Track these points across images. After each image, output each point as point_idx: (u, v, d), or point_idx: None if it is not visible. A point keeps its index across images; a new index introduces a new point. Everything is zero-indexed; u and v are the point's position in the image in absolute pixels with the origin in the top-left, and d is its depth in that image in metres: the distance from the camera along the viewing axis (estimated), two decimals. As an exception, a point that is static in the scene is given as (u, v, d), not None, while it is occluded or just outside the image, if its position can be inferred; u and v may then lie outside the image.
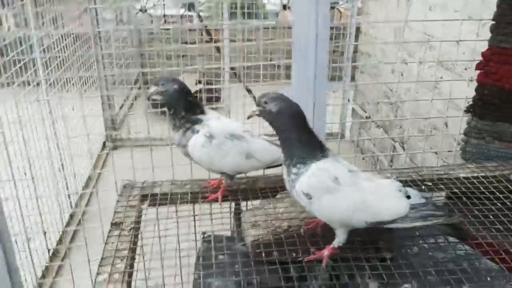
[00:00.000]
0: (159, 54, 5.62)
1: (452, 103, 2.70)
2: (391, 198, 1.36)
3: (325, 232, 1.49)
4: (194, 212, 1.67)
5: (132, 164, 1.90)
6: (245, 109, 4.35)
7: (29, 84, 2.77)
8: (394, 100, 3.57)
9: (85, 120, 1.96)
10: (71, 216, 3.13)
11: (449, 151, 2.28)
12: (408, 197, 1.37)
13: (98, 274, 1.31)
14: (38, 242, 2.55)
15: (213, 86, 4.90)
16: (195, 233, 1.59)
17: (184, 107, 1.64)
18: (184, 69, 5.03)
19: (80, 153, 3.45)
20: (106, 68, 4.31)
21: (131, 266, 1.37)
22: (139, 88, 5.49)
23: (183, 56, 5.74)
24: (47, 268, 2.65)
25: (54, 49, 3.28)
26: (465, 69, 2.68)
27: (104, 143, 4.29)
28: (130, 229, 1.51)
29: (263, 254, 1.45)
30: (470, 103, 1.99)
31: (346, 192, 1.32)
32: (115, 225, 1.53)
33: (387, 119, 3.83)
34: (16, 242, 2.23)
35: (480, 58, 1.94)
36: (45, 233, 1.83)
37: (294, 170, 1.33)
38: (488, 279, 1.39)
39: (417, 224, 1.34)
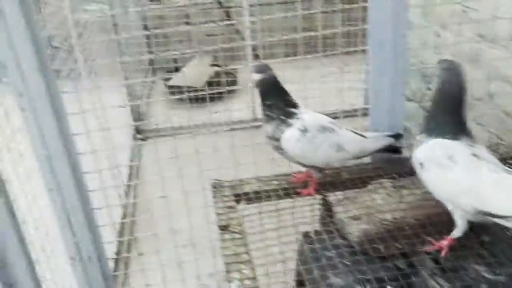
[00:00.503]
0: (166, 37, 5.49)
1: (497, 75, 2.70)
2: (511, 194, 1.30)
3: (436, 223, 1.51)
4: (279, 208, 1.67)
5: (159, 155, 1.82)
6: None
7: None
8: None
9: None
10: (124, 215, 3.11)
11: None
12: None
13: (229, 282, 1.31)
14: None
15: (232, 67, 4.84)
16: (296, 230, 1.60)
17: (284, 98, 1.62)
18: (202, 49, 4.96)
19: (118, 145, 3.40)
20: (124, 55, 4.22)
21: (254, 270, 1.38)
22: (153, 76, 5.38)
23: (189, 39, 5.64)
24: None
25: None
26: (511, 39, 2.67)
27: (134, 136, 4.23)
28: (240, 231, 1.51)
29: (376, 249, 1.47)
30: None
31: (457, 172, 1.33)
32: (224, 228, 1.53)
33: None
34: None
35: None
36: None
37: (417, 137, 1.42)
38: None
39: None
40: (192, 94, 2.01)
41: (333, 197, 1.77)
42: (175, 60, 5.53)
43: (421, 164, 1.40)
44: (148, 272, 1.89)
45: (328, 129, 1.67)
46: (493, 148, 1.94)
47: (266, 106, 1.64)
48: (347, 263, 1.45)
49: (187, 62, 5.21)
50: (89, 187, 2.00)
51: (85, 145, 2.08)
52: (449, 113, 1.40)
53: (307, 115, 1.66)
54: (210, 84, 4.38)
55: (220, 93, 4.37)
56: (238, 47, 4.67)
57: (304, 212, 1.66)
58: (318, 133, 1.64)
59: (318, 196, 1.76)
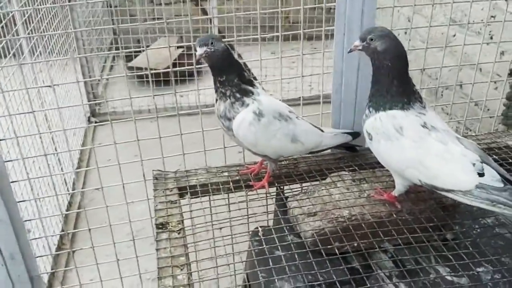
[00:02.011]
0: (132, 15, 5.23)
1: (468, 62, 2.60)
2: (455, 168, 1.26)
3: (396, 221, 1.38)
4: (228, 203, 1.52)
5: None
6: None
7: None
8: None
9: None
10: (70, 203, 2.90)
11: (491, 117, 2.19)
12: (481, 174, 1.25)
13: (160, 289, 1.14)
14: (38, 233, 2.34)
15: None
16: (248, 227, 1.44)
17: (238, 72, 1.44)
18: (167, 26, 4.72)
19: (69, 127, 3.16)
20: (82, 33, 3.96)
21: (191, 275, 1.21)
22: (114, 56, 5.11)
23: (158, 18, 5.38)
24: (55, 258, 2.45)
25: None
26: (484, 25, 2.56)
27: (88, 118, 3.99)
28: (180, 230, 1.34)
29: (331, 248, 1.33)
30: (515, 65, 1.87)
31: (404, 145, 1.29)
32: (161, 226, 1.35)
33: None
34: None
35: (500, 13, 1.80)
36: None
37: (366, 111, 1.36)
38: None
39: (482, 206, 1.23)
40: (153, 76, 1.82)
41: (288, 191, 1.62)
42: (139, 41, 5.28)
43: (369, 134, 1.35)
44: (92, 266, 1.72)
45: (285, 117, 1.50)
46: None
47: (219, 83, 1.44)
48: (298, 264, 1.30)
49: (153, 43, 4.97)
50: (15, 177, 1.81)
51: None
52: (397, 80, 1.30)
53: (265, 98, 1.49)
54: (174, 66, 4.16)
55: (185, 75, 4.18)
56: (205, 29, 4.46)
57: (256, 208, 1.50)
58: (274, 119, 1.47)
59: (272, 190, 1.60)
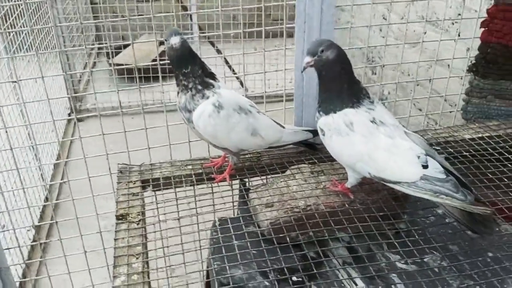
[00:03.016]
0: (114, 12, 5.24)
1: (437, 59, 2.66)
2: (401, 161, 1.32)
3: (348, 211, 1.43)
4: (195, 195, 1.56)
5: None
6: (216, 70, 4.17)
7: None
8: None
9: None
10: (46, 198, 2.93)
11: (450, 111, 2.25)
12: (425, 166, 1.31)
13: (115, 277, 1.19)
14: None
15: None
16: (198, 218, 1.49)
17: (201, 64, 1.49)
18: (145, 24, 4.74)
19: (46, 125, 3.19)
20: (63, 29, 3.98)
21: (147, 264, 1.26)
22: (98, 53, 5.13)
23: (140, 15, 5.39)
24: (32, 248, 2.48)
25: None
26: (452, 23, 2.63)
27: (69, 115, 4.01)
28: (139, 221, 1.38)
29: (285, 237, 1.38)
30: (473, 62, 1.94)
31: (354, 140, 1.34)
32: (121, 217, 1.40)
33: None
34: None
35: (467, 11, 1.87)
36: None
37: (317, 116, 1.43)
38: (513, 245, 1.37)
39: (426, 196, 1.29)
40: (135, 73, 1.84)
41: (250, 183, 1.67)
42: (122, 38, 5.30)
43: (322, 130, 1.41)
44: (66, 260, 1.75)
45: (245, 110, 1.55)
46: (420, 134, 1.88)
47: (182, 75, 1.48)
48: (253, 253, 1.35)
49: (136, 40, 4.99)
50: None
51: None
52: (348, 83, 1.37)
53: (226, 91, 1.53)
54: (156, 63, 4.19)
55: (166, 72, 4.21)
56: (186, 26, 4.50)
57: (218, 199, 1.55)
58: (234, 112, 1.51)
59: (234, 182, 1.64)
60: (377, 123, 1.35)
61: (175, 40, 1.42)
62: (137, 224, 1.37)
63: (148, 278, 1.21)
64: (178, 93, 1.52)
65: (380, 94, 3.61)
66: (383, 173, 1.33)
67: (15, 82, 1.48)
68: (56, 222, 1.63)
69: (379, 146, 1.33)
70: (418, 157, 1.31)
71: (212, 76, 1.53)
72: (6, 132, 1.58)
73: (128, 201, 1.48)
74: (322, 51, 1.34)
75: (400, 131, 1.37)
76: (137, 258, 1.24)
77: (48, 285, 1.92)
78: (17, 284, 2.24)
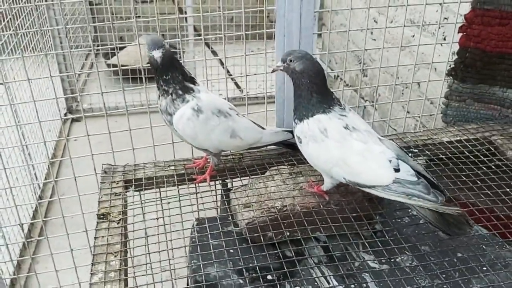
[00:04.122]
0: (113, 13, 5.30)
1: (424, 62, 2.70)
2: (374, 165, 1.36)
3: (323, 212, 1.48)
4: (179, 194, 1.61)
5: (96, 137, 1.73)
6: (212, 71, 4.22)
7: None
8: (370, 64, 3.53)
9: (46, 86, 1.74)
10: (40, 197, 2.99)
11: (431, 114, 2.29)
12: (397, 170, 1.36)
13: (92, 274, 1.24)
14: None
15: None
16: (182, 218, 1.53)
17: (181, 70, 1.54)
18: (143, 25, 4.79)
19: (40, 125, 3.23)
20: (59, 31, 4.03)
21: (126, 262, 1.31)
22: (96, 53, 5.17)
23: (138, 16, 5.44)
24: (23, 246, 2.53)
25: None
26: (438, 27, 2.66)
27: (65, 115, 4.07)
28: (119, 220, 1.43)
29: (260, 236, 1.43)
30: (452, 66, 1.98)
31: (329, 145, 1.39)
32: (102, 216, 1.44)
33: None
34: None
35: (452, 15, 1.91)
36: (21, 225, 1.71)
37: (293, 124, 1.47)
38: (482, 246, 1.41)
39: (399, 199, 1.33)
40: (130, 73, 1.88)
41: (232, 184, 1.72)
42: (121, 38, 5.36)
43: (298, 138, 1.45)
44: (58, 257, 1.81)
45: (224, 113, 1.59)
46: (400, 137, 1.93)
47: (163, 81, 1.53)
48: (230, 252, 1.40)
49: (133, 41, 5.05)
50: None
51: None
52: (317, 93, 1.41)
53: (205, 95, 1.58)
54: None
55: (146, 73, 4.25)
56: (181, 28, 4.53)
57: (199, 200, 1.60)
58: (213, 115, 1.57)
59: (215, 183, 1.69)
60: (350, 129, 1.40)
61: (157, 54, 1.47)
62: (117, 223, 1.42)
63: (126, 275, 1.25)
64: (159, 96, 1.56)
65: (370, 97, 3.65)
66: (357, 178, 1.37)
67: (1, 84, 1.53)
68: (43, 220, 1.68)
69: (353, 151, 1.37)
70: (390, 161, 1.36)
71: (192, 80, 1.58)
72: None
73: (110, 201, 1.53)
74: (291, 60, 1.41)
75: (373, 136, 1.42)
76: (115, 256, 1.29)
77: (40, 283, 1.98)
78: (8, 281, 2.29)
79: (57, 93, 3.82)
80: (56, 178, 3.17)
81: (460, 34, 1.92)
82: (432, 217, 1.34)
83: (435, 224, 1.35)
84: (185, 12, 4.34)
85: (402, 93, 3.13)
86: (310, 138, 1.42)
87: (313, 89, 1.41)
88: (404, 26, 2.07)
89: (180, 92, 1.52)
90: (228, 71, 4.21)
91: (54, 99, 1.73)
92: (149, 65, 1.57)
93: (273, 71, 1.47)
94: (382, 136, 1.46)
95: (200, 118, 1.53)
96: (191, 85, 1.55)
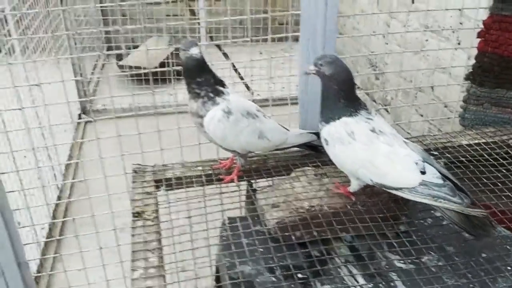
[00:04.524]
0: (124, 15, 5.35)
1: (439, 66, 2.74)
2: (401, 167, 1.40)
3: (350, 212, 1.52)
4: (204, 194, 1.65)
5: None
6: (224, 73, 4.26)
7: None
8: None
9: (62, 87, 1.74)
10: (59, 197, 3.03)
11: (448, 118, 2.34)
12: (423, 172, 1.40)
13: (132, 270, 1.28)
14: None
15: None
16: (205, 217, 1.57)
17: (212, 73, 1.58)
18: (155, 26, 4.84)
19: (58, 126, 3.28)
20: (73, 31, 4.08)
21: (162, 258, 1.35)
22: (106, 55, 5.22)
23: (149, 18, 5.50)
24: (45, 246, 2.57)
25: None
26: (453, 32, 2.71)
27: (79, 116, 4.11)
28: (154, 218, 1.48)
29: (290, 236, 1.47)
30: (470, 70, 2.02)
31: (356, 148, 1.42)
32: (137, 214, 1.49)
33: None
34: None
35: (467, 20, 1.95)
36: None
37: (319, 126, 1.52)
38: (506, 247, 1.46)
39: (426, 201, 1.37)
40: (143, 75, 1.92)
41: (256, 184, 1.76)
42: (133, 40, 5.40)
43: (325, 140, 1.49)
44: (78, 256, 1.84)
45: (252, 115, 1.65)
46: (419, 139, 1.97)
47: (195, 83, 1.58)
48: (260, 250, 1.45)
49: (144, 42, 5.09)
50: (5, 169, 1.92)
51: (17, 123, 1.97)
52: (344, 99, 1.46)
53: (234, 98, 1.64)
54: (163, 65, 4.28)
55: (174, 74, 4.31)
56: (193, 29, 4.58)
57: (226, 199, 1.64)
58: (242, 117, 1.62)
59: (242, 183, 1.74)
60: (377, 132, 1.44)
61: (195, 51, 1.52)
62: (152, 221, 1.46)
63: (164, 271, 1.30)
64: (189, 98, 1.61)
65: (383, 100, 3.69)
66: (384, 179, 1.41)
67: (37, 85, 1.57)
68: (74, 219, 1.72)
69: (380, 154, 1.41)
70: (416, 163, 1.40)
71: (222, 83, 1.63)
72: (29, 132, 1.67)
73: (142, 200, 1.58)
74: (321, 65, 1.46)
75: (399, 139, 1.46)
76: (153, 253, 1.33)
77: (61, 281, 2.01)
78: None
79: (72, 93, 3.88)
80: (73, 179, 3.23)
81: (478, 39, 1.96)
82: (457, 219, 1.38)
83: (460, 226, 1.38)
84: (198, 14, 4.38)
85: (416, 97, 3.17)
86: (337, 141, 1.46)
87: (340, 94, 1.47)
88: (423, 30, 2.11)
89: (211, 94, 1.57)
90: (239, 74, 4.26)
91: (65, 102, 1.75)
92: (181, 67, 1.61)
93: (306, 73, 1.52)
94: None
95: (230, 120, 1.58)
96: (221, 88, 1.60)
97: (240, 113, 1.61)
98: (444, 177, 1.40)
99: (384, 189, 1.45)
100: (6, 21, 2.62)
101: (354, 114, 1.46)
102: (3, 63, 2.47)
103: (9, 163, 1.94)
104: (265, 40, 1.89)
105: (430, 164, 1.42)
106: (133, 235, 1.41)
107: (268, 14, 1.79)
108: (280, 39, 3.69)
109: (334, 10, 1.73)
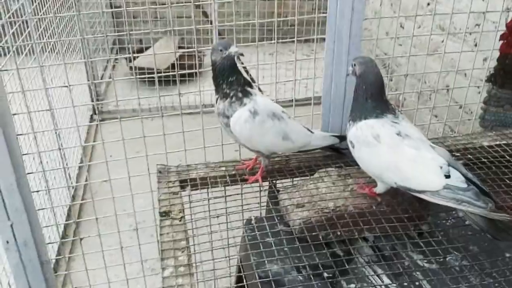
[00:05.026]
0: (135, 17, 5.38)
1: (454, 67, 2.75)
2: (426, 170, 1.41)
3: (376, 212, 1.53)
4: (225, 195, 1.67)
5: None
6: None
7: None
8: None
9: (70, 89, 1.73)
10: (73, 197, 3.05)
11: (468, 119, 2.35)
12: (448, 176, 1.40)
13: (163, 269, 1.30)
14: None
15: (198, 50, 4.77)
16: (242, 217, 1.59)
17: (242, 75, 1.61)
18: (163, 30, 4.86)
19: (72, 126, 3.31)
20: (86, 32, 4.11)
21: (190, 257, 1.37)
22: (117, 55, 5.25)
23: (158, 19, 5.53)
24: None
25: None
26: (470, 33, 2.71)
27: (91, 116, 4.14)
28: (181, 218, 1.49)
29: (317, 235, 1.48)
30: (491, 72, 2.03)
31: (382, 151, 1.44)
32: (164, 214, 1.51)
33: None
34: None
35: (484, 22, 1.97)
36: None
37: (347, 125, 1.55)
38: (531, 247, 1.46)
39: (450, 204, 1.38)
40: (153, 76, 1.93)
41: (280, 184, 1.77)
42: (141, 41, 5.43)
43: (351, 143, 1.52)
44: (92, 256, 1.86)
45: (278, 116, 1.66)
46: (440, 140, 1.98)
47: (227, 83, 1.59)
48: (286, 249, 1.46)
49: (154, 43, 5.11)
50: (30, 169, 1.94)
51: (29, 125, 1.99)
52: (371, 99, 1.49)
53: (261, 99, 1.65)
54: (174, 66, 4.30)
55: (185, 75, 4.33)
56: (205, 31, 4.61)
57: (251, 199, 1.66)
58: (268, 118, 1.63)
59: (265, 184, 1.75)
60: (402, 135, 1.45)
61: (234, 49, 1.54)
62: (180, 220, 1.48)
63: (194, 270, 1.31)
64: (216, 99, 1.63)
65: (396, 100, 3.70)
66: (408, 183, 1.43)
67: (66, 86, 1.59)
68: (97, 218, 1.73)
69: (404, 157, 1.43)
70: (441, 167, 1.41)
71: (250, 84, 1.64)
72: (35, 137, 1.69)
73: (169, 199, 1.59)
74: (354, 64, 1.52)
75: (425, 143, 1.47)
76: (182, 252, 1.35)
77: (78, 279, 2.03)
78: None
79: (84, 93, 3.90)
80: (87, 179, 3.25)
81: (500, 42, 1.97)
82: (482, 223, 1.38)
83: (485, 230, 1.39)
84: (210, 16, 4.40)
85: (429, 98, 3.18)
86: (362, 143, 1.48)
87: (368, 95, 1.49)
88: (435, 33, 2.12)
89: (240, 95, 1.59)
90: (250, 75, 4.27)
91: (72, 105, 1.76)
92: (213, 68, 1.61)
93: (347, 74, 1.61)
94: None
95: (256, 121, 1.59)
96: (249, 89, 1.62)
97: (266, 114, 1.62)
98: (470, 181, 1.40)
99: (409, 192, 1.45)
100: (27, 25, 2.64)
101: (380, 116, 1.48)
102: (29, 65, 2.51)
103: (34, 163, 1.96)
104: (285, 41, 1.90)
105: (456, 168, 1.42)
106: (161, 234, 1.42)
107: (296, 17, 1.80)
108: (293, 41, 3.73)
109: (360, 14, 1.74)
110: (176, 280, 1.26)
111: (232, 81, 1.58)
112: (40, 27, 2.89)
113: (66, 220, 2.87)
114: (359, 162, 1.53)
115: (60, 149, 2.20)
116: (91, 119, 4.11)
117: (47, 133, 2.63)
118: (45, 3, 3.07)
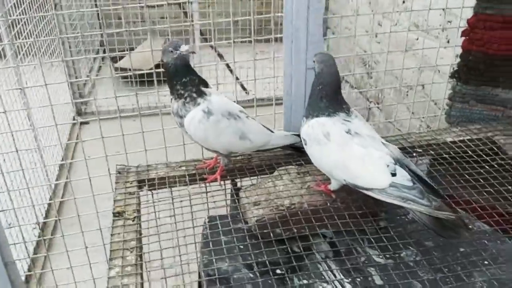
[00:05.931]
0: (120, 18, 5.38)
1: (428, 64, 2.75)
2: (372, 169, 1.42)
3: (330, 209, 1.53)
4: (188, 194, 1.66)
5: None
6: (217, 73, 4.28)
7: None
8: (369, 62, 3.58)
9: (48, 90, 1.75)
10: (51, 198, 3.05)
11: (435, 115, 2.34)
12: (394, 174, 1.41)
13: (110, 268, 1.30)
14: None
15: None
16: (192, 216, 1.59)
17: (196, 74, 1.60)
18: (151, 28, 4.86)
19: (50, 127, 3.31)
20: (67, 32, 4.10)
21: (141, 257, 1.36)
22: (103, 56, 5.25)
23: (139, 20, 5.52)
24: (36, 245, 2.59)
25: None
26: (442, 30, 2.71)
27: (73, 118, 4.14)
28: (134, 218, 1.49)
29: (269, 233, 1.48)
30: (455, 69, 2.03)
31: (331, 149, 1.46)
32: (117, 214, 1.50)
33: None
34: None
35: (455, 19, 1.97)
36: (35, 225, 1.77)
37: (302, 121, 1.56)
38: (484, 241, 1.46)
39: (396, 202, 1.38)
40: (137, 76, 1.93)
41: (240, 183, 1.77)
42: (128, 42, 5.42)
43: (304, 140, 1.54)
44: (68, 255, 1.86)
45: (234, 115, 1.65)
46: (404, 137, 1.98)
47: (180, 84, 1.58)
48: (240, 247, 1.46)
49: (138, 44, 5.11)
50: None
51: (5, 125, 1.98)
52: (326, 98, 1.50)
53: (216, 98, 1.64)
54: (158, 67, 4.30)
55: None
56: (188, 31, 4.60)
57: (209, 199, 1.65)
58: (223, 118, 1.62)
59: (225, 182, 1.75)
60: (352, 134, 1.47)
61: (185, 48, 1.53)
62: (132, 221, 1.48)
63: (141, 270, 1.31)
64: (171, 99, 1.62)
65: (376, 98, 3.70)
66: (356, 180, 1.44)
67: (20, 89, 1.59)
68: (59, 219, 1.74)
69: (353, 155, 1.44)
70: (388, 165, 1.42)
71: (206, 83, 1.64)
72: (12, 135, 1.69)
73: (124, 200, 1.59)
74: (314, 61, 1.53)
75: (376, 141, 1.48)
76: (131, 252, 1.35)
77: (53, 280, 2.02)
78: (23, 278, 2.35)
79: (66, 95, 3.90)
80: (68, 179, 3.25)
81: (463, 38, 1.96)
82: (428, 220, 1.38)
83: (430, 227, 1.39)
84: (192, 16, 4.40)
85: (407, 95, 3.18)
86: (314, 141, 1.50)
87: (322, 94, 1.50)
88: (409, 30, 2.12)
89: (194, 95, 1.58)
90: (232, 73, 4.27)
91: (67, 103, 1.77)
92: (163, 69, 1.62)
93: (308, 68, 1.63)
94: (387, 137, 1.52)
95: (210, 120, 1.59)
96: (204, 88, 1.61)
97: (221, 114, 1.61)
98: (418, 179, 1.41)
99: (357, 189, 1.46)
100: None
101: (332, 115, 1.49)
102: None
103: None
104: (268, 41, 1.93)
105: (406, 166, 1.43)
106: (112, 235, 1.42)
107: (252, 17, 1.79)
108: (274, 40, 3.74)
109: (318, 14, 1.74)
110: (122, 280, 1.26)
111: (185, 81, 1.58)
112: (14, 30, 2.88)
113: (44, 220, 2.87)
114: (311, 159, 1.54)
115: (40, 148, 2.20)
116: (74, 120, 4.10)
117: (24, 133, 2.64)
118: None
